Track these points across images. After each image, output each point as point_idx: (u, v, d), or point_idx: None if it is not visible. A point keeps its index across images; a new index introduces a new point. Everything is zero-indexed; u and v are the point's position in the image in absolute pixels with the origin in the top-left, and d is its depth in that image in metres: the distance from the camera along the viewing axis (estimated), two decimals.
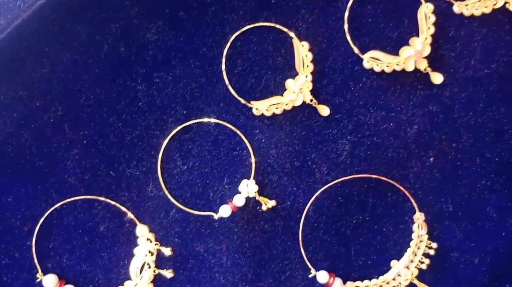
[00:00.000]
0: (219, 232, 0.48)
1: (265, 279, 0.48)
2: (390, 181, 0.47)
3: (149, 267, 0.48)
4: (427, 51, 0.46)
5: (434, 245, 0.47)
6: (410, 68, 0.46)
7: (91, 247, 0.49)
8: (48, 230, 0.48)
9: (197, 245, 0.49)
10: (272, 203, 0.47)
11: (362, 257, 0.48)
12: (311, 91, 0.47)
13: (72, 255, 0.49)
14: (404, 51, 0.46)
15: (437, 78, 0.47)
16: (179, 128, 0.48)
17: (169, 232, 0.49)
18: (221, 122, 0.48)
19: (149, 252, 0.48)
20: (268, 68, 0.48)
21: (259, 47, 0.48)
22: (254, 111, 0.47)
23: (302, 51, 0.47)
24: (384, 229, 0.48)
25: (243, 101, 0.47)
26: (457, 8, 0.47)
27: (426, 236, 0.47)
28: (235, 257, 0.48)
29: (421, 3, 0.46)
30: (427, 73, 0.47)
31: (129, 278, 0.48)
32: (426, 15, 0.46)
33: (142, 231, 0.48)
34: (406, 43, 0.47)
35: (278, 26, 0.47)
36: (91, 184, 0.48)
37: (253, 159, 0.48)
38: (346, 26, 0.47)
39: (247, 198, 0.47)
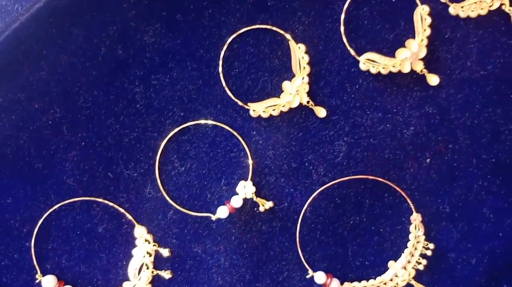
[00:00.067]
0: (217, 233, 0.49)
1: (263, 280, 0.48)
2: (387, 182, 0.47)
3: (147, 268, 0.48)
4: (423, 52, 0.46)
5: (431, 245, 0.47)
6: (406, 69, 0.46)
7: (90, 248, 0.49)
8: (47, 231, 0.48)
9: (195, 246, 0.49)
10: (269, 204, 0.48)
11: (359, 257, 0.48)
12: (307, 92, 0.47)
13: (71, 256, 0.49)
14: (400, 53, 0.46)
15: (433, 79, 0.47)
16: (176, 130, 0.48)
17: (167, 233, 0.49)
18: (218, 123, 0.48)
19: (147, 253, 0.48)
20: (265, 70, 0.48)
21: (256, 49, 0.48)
22: (251, 113, 0.47)
23: (299, 53, 0.47)
24: (381, 230, 0.48)
25: (240, 103, 0.47)
26: (453, 10, 0.47)
27: (423, 237, 0.47)
28: (233, 258, 0.48)
29: (417, 5, 0.47)
30: (423, 74, 0.47)
31: (127, 279, 0.48)
32: (422, 17, 0.46)
33: (140, 232, 0.48)
34: (402, 45, 0.47)
35: (274, 28, 0.47)
36: (89, 186, 0.48)
37: (250, 161, 0.48)
38: (342, 28, 0.47)
39: (245, 199, 0.47)
